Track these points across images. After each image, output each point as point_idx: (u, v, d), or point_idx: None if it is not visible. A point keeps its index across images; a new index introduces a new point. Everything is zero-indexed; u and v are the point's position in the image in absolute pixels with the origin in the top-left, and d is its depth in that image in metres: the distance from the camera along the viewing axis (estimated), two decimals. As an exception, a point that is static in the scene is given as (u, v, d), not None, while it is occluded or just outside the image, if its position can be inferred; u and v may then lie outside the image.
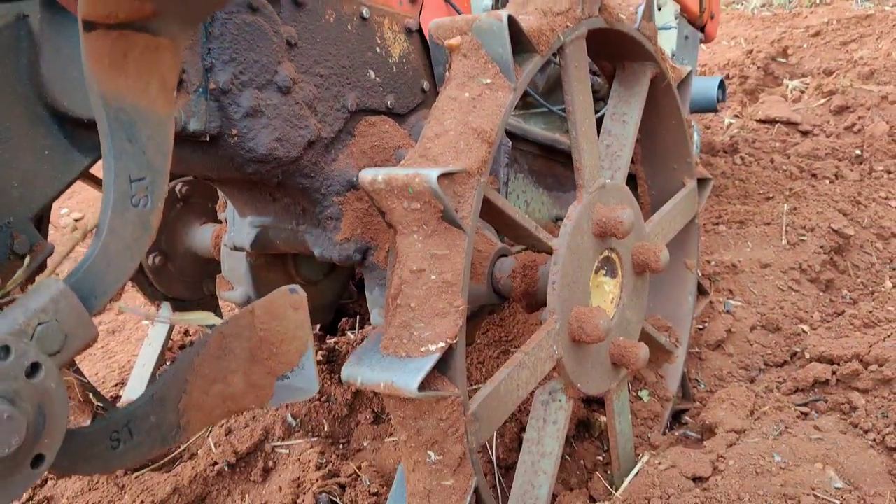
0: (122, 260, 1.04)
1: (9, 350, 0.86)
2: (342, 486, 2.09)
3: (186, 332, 3.08)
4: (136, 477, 2.31)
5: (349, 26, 1.92)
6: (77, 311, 0.98)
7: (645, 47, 1.96)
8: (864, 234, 3.00)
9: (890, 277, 2.85)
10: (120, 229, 1.03)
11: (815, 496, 1.79)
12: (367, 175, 1.43)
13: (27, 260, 1.30)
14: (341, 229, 1.95)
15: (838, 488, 1.83)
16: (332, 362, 2.72)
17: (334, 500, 2.05)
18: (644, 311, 2.11)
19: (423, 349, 1.40)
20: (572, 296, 1.77)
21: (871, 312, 2.38)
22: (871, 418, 2.06)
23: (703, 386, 2.47)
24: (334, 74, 1.89)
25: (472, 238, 1.43)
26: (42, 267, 2.18)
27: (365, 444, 2.36)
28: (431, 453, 1.48)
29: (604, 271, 1.95)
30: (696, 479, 1.93)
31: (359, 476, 2.12)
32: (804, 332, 2.62)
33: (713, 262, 2.83)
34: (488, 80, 1.49)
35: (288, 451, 2.33)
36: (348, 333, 2.95)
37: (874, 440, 2.00)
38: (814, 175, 3.41)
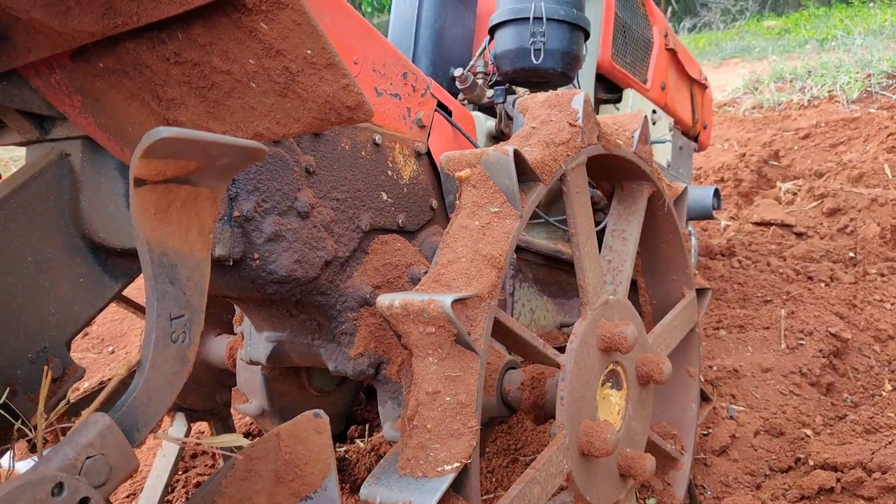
0: (162, 393, 1.11)
1: (62, 487, 0.93)
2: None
3: (198, 443, 3.10)
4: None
5: (363, 152, 2.04)
6: (121, 444, 1.05)
7: (642, 168, 2.08)
8: (862, 336, 3.07)
9: (889, 380, 2.91)
10: (160, 365, 1.11)
11: None
12: (385, 300, 1.52)
13: (65, 387, 1.37)
14: (355, 344, 2.02)
15: None
16: (342, 472, 2.74)
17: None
18: (649, 420, 2.16)
19: (438, 469, 1.45)
20: (580, 410, 1.83)
21: (871, 418, 2.43)
22: (879, 527, 2.09)
23: (709, 493, 2.50)
24: (350, 198, 2.00)
25: (485, 360, 1.50)
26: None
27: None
28: (447, 571, 1.52)
29: (609, 384, 2.01)
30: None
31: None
32: (807, 435, 2.66)
33: (715, 367, 2.89)
34: (496, 209, 1.60)
35: None
36: (357, 441, 2.99)
37: (883, 550, 2.02)
38: (809, 278, 3.50)
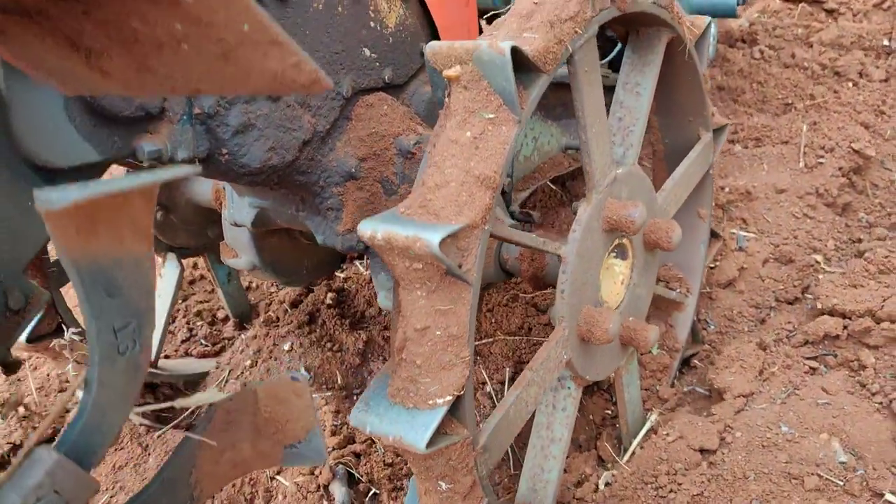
0: (116, 409, 1.02)
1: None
2: (357, 455, 2.16)
3: (192, 282, 3.08)
4: (160, 436, 2.39)
5: (339, 8, 1.77)
6: (76, 475, 0.97)
7: (660, 17, 1.81)
8: (886, 147, 2.89)
9: (909, 196, 2.78)
10: (110, 381, 1.00)
11: (819, 475, 1.83)
12: (367, 229, 1.37)
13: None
14: (343, 220, 1.89)
15: (843, 462, 1.87)
16: (342, 304, 2.73)
17: (351, 471, 2.12)
18: (654, 281, 2.08)
19: (430, 402, 1.39)
20: (582, 297, 1.73)
21: (886, 258, 2.33)
22: (880, 378, 2.07)
23: (712, 327, 2.48)
24: (327, 63, 1.77)
25: (478, 289, 1.38)
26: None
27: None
28: (442, 483, 1.51)
29: (614, 254, 1.90)
30: (703, 451, 1.98)
31: (373, 443, 2.18)
32: (817, 262, 2.59)
33: (727, 189, 2.75)
34: (491, 115, 1.39)
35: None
36: (356, 263, 2.94)
37: (881, 403, 2.02)
38: (837, 73, 3.23)
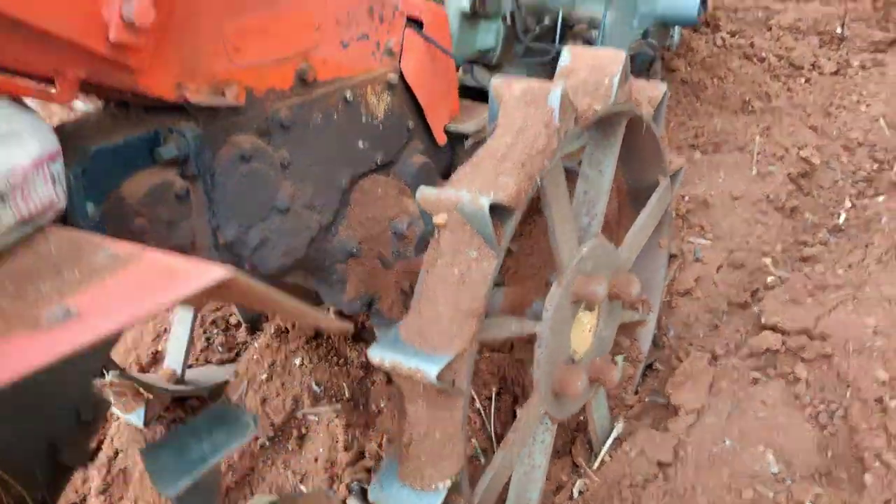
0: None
1: None
2: (369, 471, 2.53)
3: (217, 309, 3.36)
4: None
5: (335, 116, 2.01)
6: None
7: (621, 111, 2.06)
8: (832, 147, 3.17)
9: (849, 195, 3.08)
10: None
11: (754, 488, 2.22)
12: (376, 355, 1.67)
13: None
14: (347, 291, 2.19)
15: (774, 473, 2.26)
16: (342, 317, 3.04)
17: (364, 487, 2.49)
18: (619, 319, 2.41)
19: (433, 486, 1.74)
20: (555, 361, 2.06)
21: (822, 274, 2.66)
22: (811, 390, 2.44)
23: (671, 332, 2.83)
24: (327, 165, 2.02)
25: (468, 397, 1.70)
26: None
27: (382, 404, 2.76)
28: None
29: (581, 308, 2.21)
30: (661, 465, 2.35)
31: (381, 456, 2.55)
32: (766, 265, 2.92)
33: (687, 198, 3.04)
34: (474, 254, 1.68)
35: (317, 418, 2.74)
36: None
37: (810, 414, 2.39)
38: (792, 65, 3.47)
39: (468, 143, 2.41)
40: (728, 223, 3.01)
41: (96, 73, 1.47)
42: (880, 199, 3.00)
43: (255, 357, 2.98)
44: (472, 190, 1.67)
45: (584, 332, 2.25)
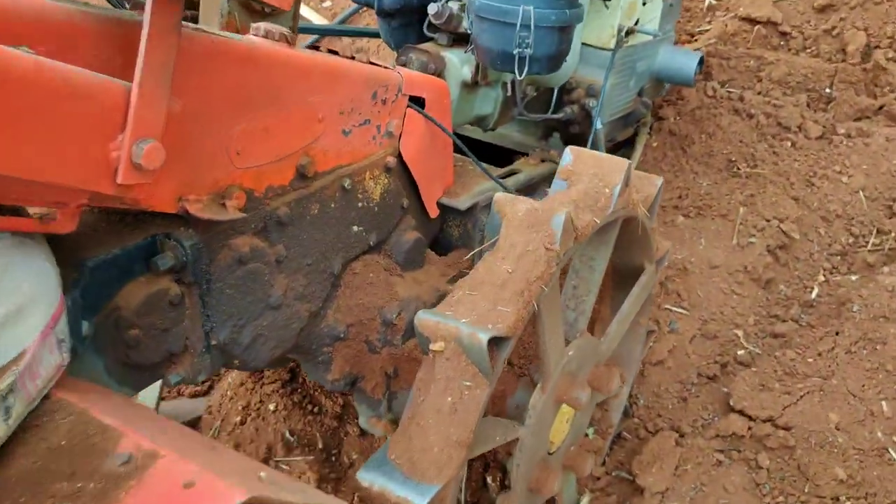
0: None
1: None
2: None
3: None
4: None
5: (332, 205, 1.99)
6: None
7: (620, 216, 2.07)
8: (811, 217, 3.22)
9: (823, 269, 3.14)
10: None
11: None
12: (365, 479, 1.68)
13: None
14: (332, 371, 2.18)
15: (731, 563, 2.34)
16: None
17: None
18: (594, 404, 2.44)
19: None
20: (534, 459, 2.09)
21: (793, 361, 2.72)
22: (772, 481, 2.52)
23: (641, 402, 2.88)
24: (321, 254, 2.00)
25: (453, 519, 1.73)
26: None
27: (354, 456, 2.78)
28: None
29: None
30: (625, 547, 2.42)
31: (351, 515, 2.58)
32: (737, 336, 2.98)
33: (667, 264, 3.07)
34: (468, 383, 1.68)
35: (289, 468, 2.75)
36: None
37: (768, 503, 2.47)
38: (779, 124, 3.49)
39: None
40: (704, 292, 3.05)
41: (100, 200, 1.43)
42: (854, 278, 3.07)
43: (228, 394, 2.96)
44: (470, 321, 1.67)
45: (562, 422, 2.28)
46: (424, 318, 1.72)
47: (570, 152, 2.08)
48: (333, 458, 2.80)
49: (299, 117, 1.81)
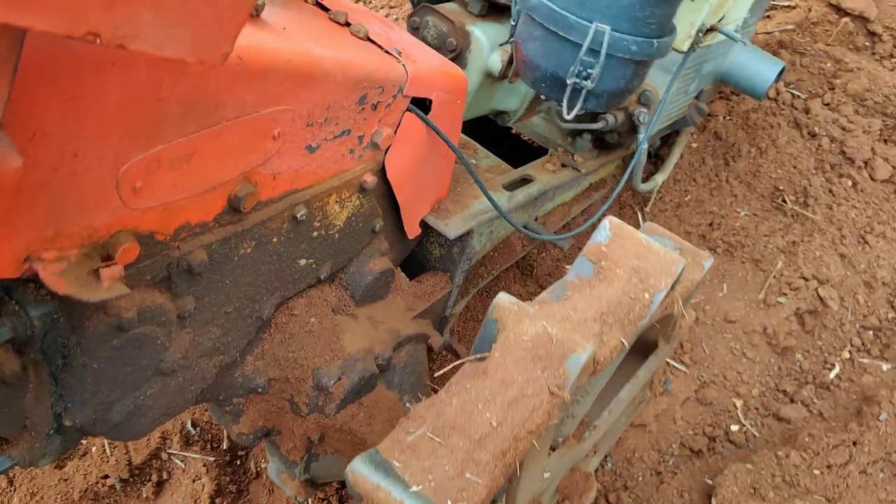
0: None
1: None
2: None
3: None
4: (30, 475, 2.28)
5: (274, 240, 1.45)
6: None
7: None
8: (853, 280, 2.72)
9: (851, 345, 2.68)
10: None
11: None
12: None
13: None
14: (240, 423, 1.70)
15: None
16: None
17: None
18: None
19: None
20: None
21: (797, 468, 2.29)
22: None
23: (609, 465, 2.45)
24: (248, 298, 1.48)
25: None
26: None
27: (263, 465, 2.34)
28: None
29: None
30: None
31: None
32: (735, 406, 2.55)
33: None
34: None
35: (184, 466, 2.31)
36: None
37: None
38: (843, 153, 2.93)
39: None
40: (710, 348, 2.58)
41: None
42: (885, 367, 2.61)
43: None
44: (422, 490, 1.18)
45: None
46: (359, 472, 1.21)
47: (608, 226, 1.53)
48: (238, 464, 2.35)
49: (243, 136, 1.24)
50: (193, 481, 2.25)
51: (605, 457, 2.46)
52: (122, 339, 1.24)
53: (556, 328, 1.30)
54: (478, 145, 2.24)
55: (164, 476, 2.30)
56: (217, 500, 2.23)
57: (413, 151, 1.64)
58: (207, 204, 1.27)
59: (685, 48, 2.08)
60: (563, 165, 2.26)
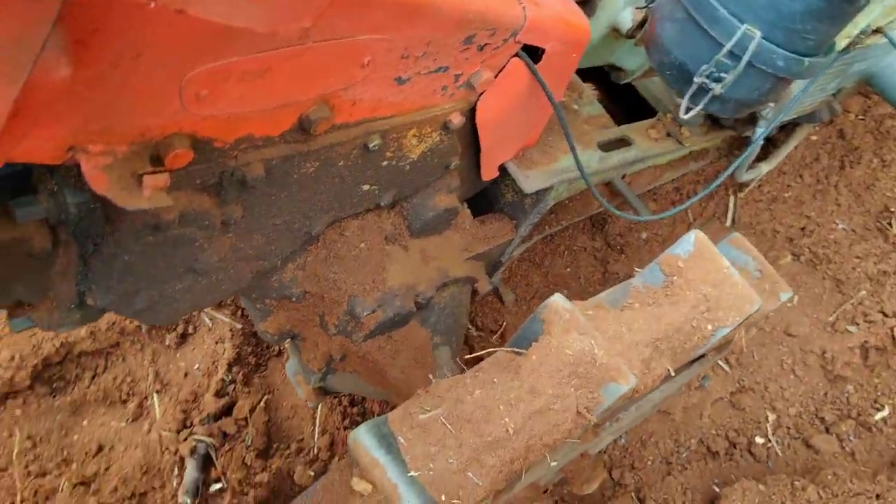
0: None
1: None
2: (225, 436, 2.17)
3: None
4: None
5: (340, 163, 1.36)
6: None
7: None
8: (933, 325, 2.55)
9: (908, 392, 2.53)
10: None
11: None
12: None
13: None
14: (268, 322, 1.67)
15: None
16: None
17: (211, 454, 2.15)
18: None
19: None
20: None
21: (809, 502, 2.21)
22: None
23: (622, 441, 2.40)
24: (301, 214, 1.41)
25: None
26: None
27: (286, 347, 2.35)
28: None
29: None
30: None
31: (247, 425, 2.19)
32: (767, 418, 2.45)
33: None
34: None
35: (211, 325, 2.32)
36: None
37: None
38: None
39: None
40: (761, 356, 2.46)
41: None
42: (938, 424, 2.47)
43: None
44: (420, 476, 1.13)
45: None
46: (362, 442, 1.17)
47: (692, 240, 1.41)
48: (263, 348, 2.36)
49: (329, 59, 1.13)
50: (216, 343, 2.27)
51: (622, 435, 2.40)
52: (159, 238, 1.19)
53: (603, 349, 1.21)
54: (584, 87, 2.08)
55: (190, 330, 2.32)
56: (234, 369, 2.25)
57: (510, 99, 1.51)
58: (276, 120, 1.18)
59: (839, 48, 1.86)
60: (668, 135, 2.09)
